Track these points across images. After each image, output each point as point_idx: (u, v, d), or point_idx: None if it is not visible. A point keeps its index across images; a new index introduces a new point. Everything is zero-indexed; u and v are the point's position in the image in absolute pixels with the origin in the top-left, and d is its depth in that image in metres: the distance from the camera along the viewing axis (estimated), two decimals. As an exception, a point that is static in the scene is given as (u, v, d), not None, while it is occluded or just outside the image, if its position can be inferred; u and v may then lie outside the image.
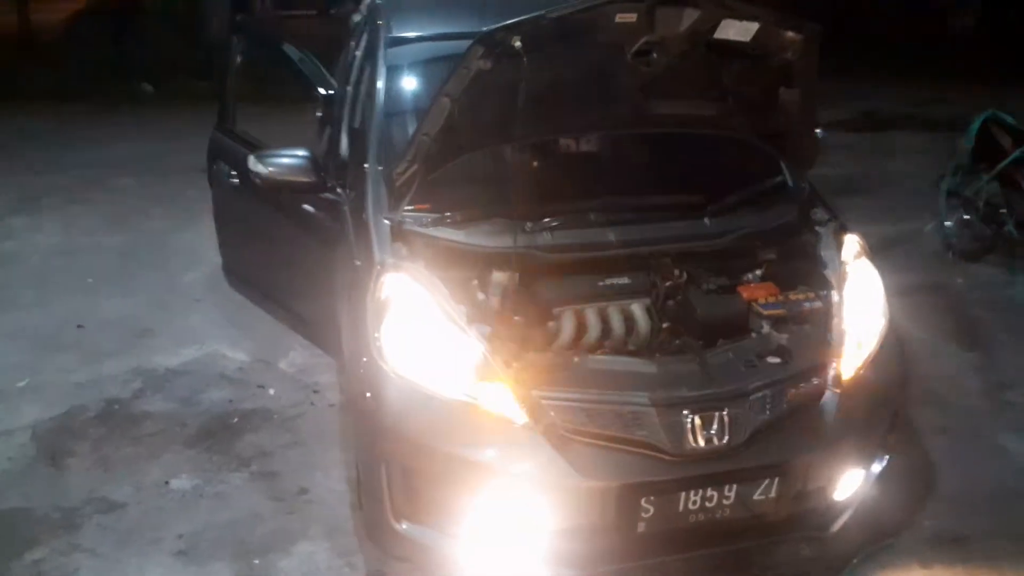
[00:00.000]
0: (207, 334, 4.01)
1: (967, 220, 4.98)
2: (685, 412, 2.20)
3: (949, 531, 2.78)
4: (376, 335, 2.33)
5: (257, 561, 2.60)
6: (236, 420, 3.34)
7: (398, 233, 2.50)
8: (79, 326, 4.11)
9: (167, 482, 2.97)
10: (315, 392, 3.54)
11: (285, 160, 2.90)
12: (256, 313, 3.79)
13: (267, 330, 3.79)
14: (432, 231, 2.51)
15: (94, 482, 2.97)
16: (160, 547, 2.66)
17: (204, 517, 2.79)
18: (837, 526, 2.49)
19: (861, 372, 2.43)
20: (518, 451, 2.18)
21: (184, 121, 7.13)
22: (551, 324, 2.51)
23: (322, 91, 3.44)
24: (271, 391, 3.55)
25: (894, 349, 2.59)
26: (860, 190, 6.29)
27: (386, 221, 2.53)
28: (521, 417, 2.19)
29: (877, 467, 2.55)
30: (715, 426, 2.20)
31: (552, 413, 2.19)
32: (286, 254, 3.41)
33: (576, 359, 2.34)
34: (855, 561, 2.61)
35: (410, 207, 2.54)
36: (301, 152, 2.91)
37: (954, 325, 4.23)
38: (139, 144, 7.50)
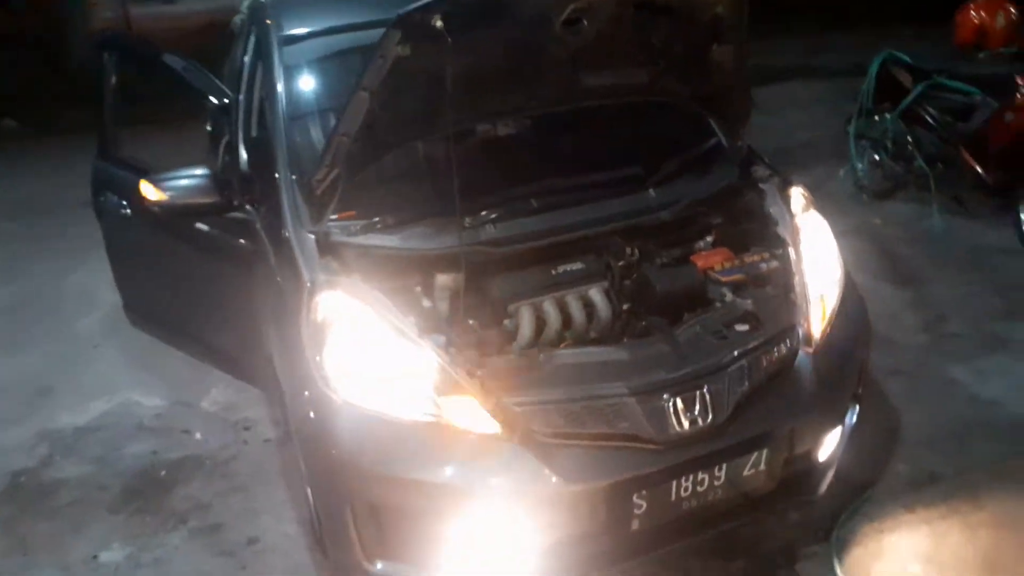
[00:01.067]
0: (115, 382, 3.63)
1: (877, 160, 5.06)
2: (665, 396, 2.08)
3: (924, 471, 2.79)
4: (318, 361, 2.11)
5: (214, 631, 2.35)
6: (163, 473, 3.03)
7: (325, 246, 2.28)
8: (-36, 394, 3.67)
9: (95, 556, 2.65)
10: (246, 429, 3.24)
11: (183, 182, 2.63)
12: (166, 352, 3.46)
13: (181, 369, 3.47)
14: (363, 240, 2.32)
15: (13, 569, 2.62)
16: (99, 634, 2.36)
17: (145, 590, 2.50)
18: (824, 487, 2.44)
19: (828, 327, 2.37)
20: (494, 465, 2.02)
21: (59, 155, 6.58)
22: (507, 323, 2.33)
23: (214, 100, 3.13)
24: (197, 435, 3.23)
25: (855, 297, 2.54)
26: (764, 143, 6.34)
27: (310, 235, 2.31)
28: (493, 428, 2.02)
29: (850, 420, 2.51)
30: (697, 406, 2.09)
31: (526, 419, 2.03)
32: (194, 284, 3.11)
33: (542, 357, 2.17)
34: (842, 518, 2.57)
35: (335, 216, 2.34)
36: (199, 171, 2.64)
37: (881, 265, 4.27)
38: (11, 184, 6.84)
